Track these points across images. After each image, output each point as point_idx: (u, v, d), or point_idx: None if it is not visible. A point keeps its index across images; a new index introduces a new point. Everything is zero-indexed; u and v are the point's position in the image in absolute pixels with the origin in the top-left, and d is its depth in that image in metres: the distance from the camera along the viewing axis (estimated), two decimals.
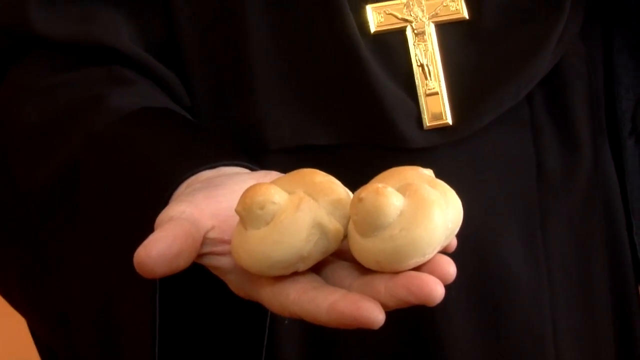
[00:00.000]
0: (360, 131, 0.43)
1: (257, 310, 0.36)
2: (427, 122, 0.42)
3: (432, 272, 0.28)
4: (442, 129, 0.43)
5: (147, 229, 0.32)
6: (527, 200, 0.48)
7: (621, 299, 0.53)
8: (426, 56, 0.42)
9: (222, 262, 0.33)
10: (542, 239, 0.48)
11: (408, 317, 0.47)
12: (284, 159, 0.41)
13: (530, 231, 0.48)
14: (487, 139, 0.44)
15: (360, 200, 0.28)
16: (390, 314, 0.37)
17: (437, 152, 0.41)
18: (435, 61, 0.42)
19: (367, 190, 0.28)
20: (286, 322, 0.43)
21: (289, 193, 0.31)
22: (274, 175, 0.34)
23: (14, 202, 0.44)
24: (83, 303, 0.41)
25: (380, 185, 0.28)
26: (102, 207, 0.39)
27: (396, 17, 0.42)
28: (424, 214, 0.28)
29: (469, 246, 0.42)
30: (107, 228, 0.39)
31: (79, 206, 0.40)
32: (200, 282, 0.36)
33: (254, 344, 0.39)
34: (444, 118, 0.42)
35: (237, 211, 0.30)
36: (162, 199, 0.34)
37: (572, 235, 0.51)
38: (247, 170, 0.36)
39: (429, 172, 0.31)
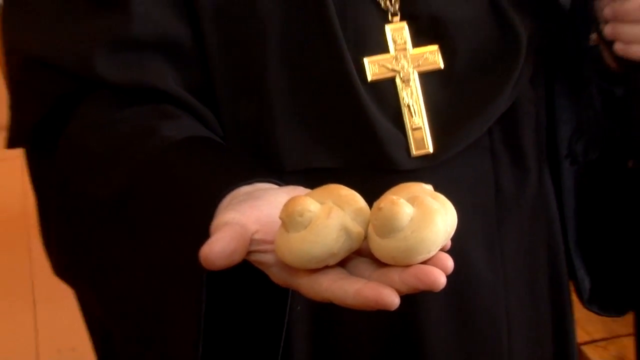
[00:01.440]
0: (359, 157, 0.51)
1: (279, 299, 0.45)
2: (414, 151, 0.51)
3: (435, 266, 0.35)
4: (425, 156, 0.52)
5: (197, 234, 0.40)
6: (487, 212, 0.58)
7: (557, 288, 0.65)
8: (411, 98, 0.51)
9: (266, 258, 0.40)
10: (498, 243, 0.58)
11: (395, 317, 0.54)
12: (297, 178, 0.48)
13: (489, 237, 0.58)
14: (459, 163, 0.53)
15: (379, 209, 0.35)
16: (377, 317, 0.47)
17: (421, 174, 0.50)
18: (419, 102, 0.52)
19: (385, 201, 0.35)
20: (299, 307, 0.51)
21: (320, 203, 0.38)
22: (300, 189, 0.42)
23: (88, 213, 0.51)
24: (140, 293, 0.49)
25: (394, 197, 0.35)
26: (158, 216, 0.46)
27: (387, 67, 0.51)
28: (429, 220, 0.35)
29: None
30: (162, 232, 0.46)
31: (139, 214, 0.48)
32: (233, 278, 0.43)
33: (277, 327, 0.46)
34: (426, 147, 0.51)
35: (280, 217, 0.37)
36: (210, 210, 0.40)
37: (522, 240, 0.61)
38: (276, 186, 0.43)
39: (429, 187, 0.38)
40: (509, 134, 0.58)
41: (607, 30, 0.53)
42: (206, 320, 0.42)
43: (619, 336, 1.31)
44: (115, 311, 0.53)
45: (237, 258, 0.38)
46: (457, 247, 0.52)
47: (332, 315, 0.56)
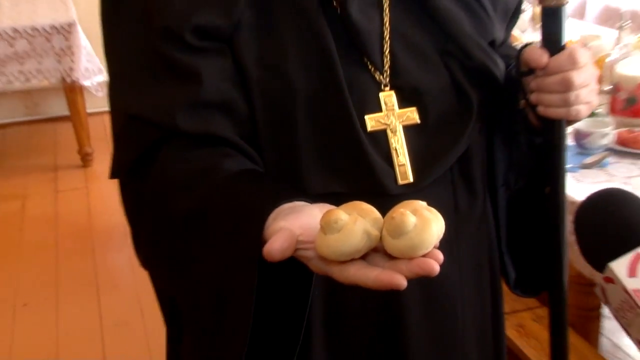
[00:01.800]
0: (361, 185, 0.69)
1: (304, 287, 0.61)
2: (399, 181, 0.71)
3: (431, 258, 0.50)
4: (407, 184, 0.71)
5: (251, 238, 0.57)
6: (449, 225, 0.76)
7: (494, 278, 0.87)
8: (398, 143, 0.71)
9: (307, 253, 0.55)
10: (456, 247, 0.78)
11: (384, 300, 0.75)
12: (317, 199, 0.63)
13: (450, 243, 0.76)
14: (430, 189, 0.72)
15: (392, 218, 0.50)
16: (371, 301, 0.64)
17: (404, 197, 0.66)
18: (403, 147, 0.71)
19: (396, 213, 0.50)
20: (317, 293, 0.67)
21: (348, 214, 0.52)
22: (327, 206, 0.57)
23: (170, 223, 0.68)
24: (207, 278, 0.65)
25: (402, 209, 0.50)
26: (221, 226, 0.63)
27: (381, 122, 0.71)
28: (427, 226, 0.50)
29: None
30: (225, 237, 0.62)
31: (208, 225, 0.64)
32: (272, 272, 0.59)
33: (302, 304, 0.62)
34: (408, 178, 0.71)
35: (320, 224, 0.52)
36: (260, 222, 0.57)
37: (472, 245, 0.81)
38: (308, 204, 0.59)
39: (424, 204, 0.53)
40: (463, 169, 0.78)
41: (533, 97, 0.73)
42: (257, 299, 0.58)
43: (518, 311, 1.71)
44: (186, 290, 0.70)
45: (288, 253, 0.54)
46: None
47: (338, 297, 0.74)
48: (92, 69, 3.07)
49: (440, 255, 0.52)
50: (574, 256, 0.98)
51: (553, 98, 0.72)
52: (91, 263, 2.50)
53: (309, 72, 0.70)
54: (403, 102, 0.73)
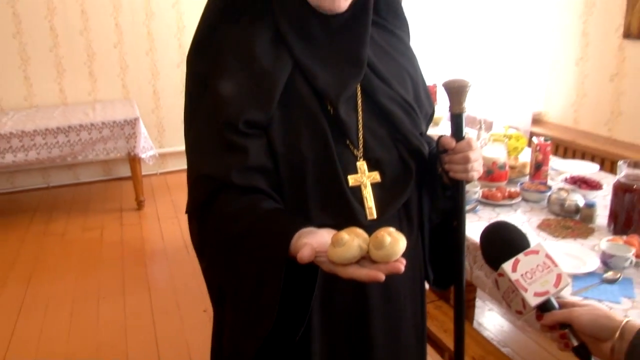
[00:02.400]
0: (345, 220, 0.99)
1: (312, 279, 0.94)
2: (368, 218, 1.05)
3: (399, 263, 0.83)
4: (373, 220, 1.05)
5: (280, 251, 0.90)
6: None
7: (421, 278, 1.21)
8: (367, 194, 1.07)
9: (322, 259, 0.88)
10: None
11: (358, 294, 1.06)
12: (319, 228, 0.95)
13: None
14: (386, 223, 0.98)
15: (376, 237, 0.85)
16: (349, 295, 1.06)
17: (371, 227, 0.92)
18: (370, 196, 1.07)
19: (378, 234, 0.84)
20: (315, 292, 0.96)
21: (348, 235, 0.84)
22: (332, 230, 0.89)
23: (226, 241, 0.98)
24: (246, 275, 0.95)
25: (382, 232, 0.84)
26: (261, 243, 0.94)
27: (357, 180, 1.06)
28: (397, 243, 0.83)
29: None
30: (263, 250, 0.93)
31: (252, 242, 0.94)
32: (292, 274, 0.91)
33: (308, 294, 0.94)
34: (373, 216, 1.06)
35: (332, 240, 0.86)
36: (287, 241, 0.90)
37: (411, 260, 1.08)
38: (319, 229, 0.91)
39: (393, 229, 0.85)
40: (405, 210, 1.14)
41: (446, 167, 1.11)
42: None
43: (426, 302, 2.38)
44: (234, 281, 0.99)
45: (311, 259, 0.85)
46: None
47: (330, 286, 1.04)
48: (146, 147, 4.58)
49: (404, 261, 0.84)
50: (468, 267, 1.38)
51: (458, 168, 1.09)
52: (143, 271, 3.72)
53: (314, 149, 1.03)
54: (370, 168, 1.08)
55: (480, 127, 2.95)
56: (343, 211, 1.04)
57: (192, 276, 3.54)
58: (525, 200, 2.37)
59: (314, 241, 0.87)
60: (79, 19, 5.14)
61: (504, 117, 4.12)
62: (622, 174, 1.96)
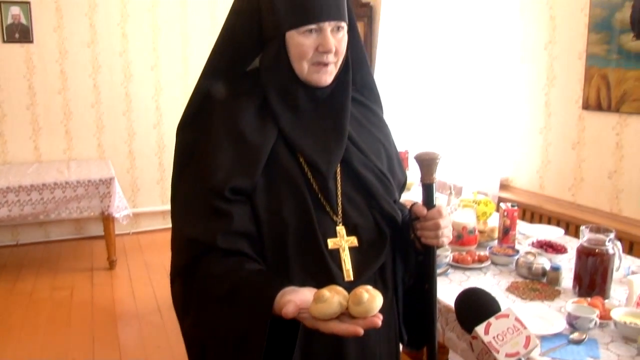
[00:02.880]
0: (324, 281, 1.04)
1: (293, 336, 0.99)
2: (345, 279, 1.11)
3: (376, 317, 0.91)
4: (350, 281, 1.11)
5: (265, 308, 0.95)
6: None
7: (396, 337, 1.25)
8: (345, 257, 1.13)
9: (304, 315, 0.93)
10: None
11: (337, 347, 1.10)
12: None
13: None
14: (361, 284, 1.07)
15: (354, 294, 0.91)
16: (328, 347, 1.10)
17: (350, 289, 0.99)
18: (348, 259, 1.13)
19: (357, 291, 0.91)
20: (297, 344, 1.01)
21: (329, 292, 0.90)
22: (313, 289, 0.95)
23: (210, 301, 1.02)
24: (232, 333, 0.99)
25: (360, 289, 0.91)
26: (245, 302, 0.99)
27: (336, 244, 1.13)
28: (374, 299, 0.90)
29: None
30: (247, 309, 0.98)
31: (236, 302, 0.99)
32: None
33: (291, 345, 0.99)
34: (351, 278, 1.12)
35: (314, 297, 0.92)
36: (271, 299, 0.95)
37: (386, 318, 1.07)
38: (301, 287, 0.97)
39: (371, 287, 0.92)
40: (380, 273, 1.20)
41: (418, 233, 1.19)
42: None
43: None
44: (218, 338, 1.03)
45: (295, 315, 0.91)
46: None
47: (308, 348, 1.09)
48: (121, 207, 4.60)
49: (381, 317, 0.90)
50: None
51: (429, 234, 1.17)
52: (114, 333, 3.65)
53: (296, 216, 1.09)
54: (348, 233, 1.14)
55: (451, 193, 3.07)
56: (322, 273, 1.10)
57: (164, 338, 3.50)
58: (494, 263, 2.45)
59: (297, 298, 0.93)
60: (57, 79, 5.23)
61: (474, 182, 4.27)
62: (585, 238, 2.06)
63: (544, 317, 1.90)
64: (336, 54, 1.16)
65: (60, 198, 4.44)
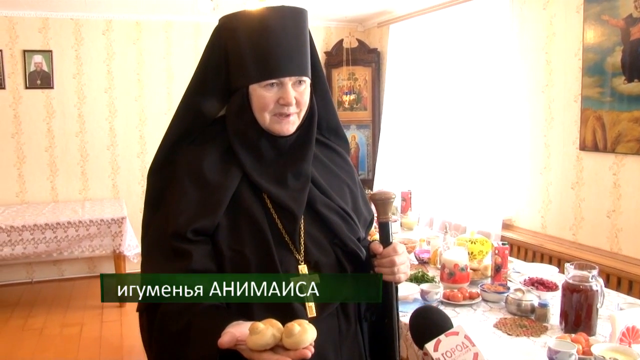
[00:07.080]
0: (288, 317, 1.04)
1: None
2: (308, 315, 1.16)
3: (307, 349, 0.95)
4: (313, 317, 1.15)
5: (213, 339, 0.98)
6: (335, 338, 1.20)
7: (361, 354, 1.29)
8: (309, 305, 1.17)
9: (242, 347, 0.98)
10: (340, 352, 1.23)
11: None
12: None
13: (336, 349, 1.21)
14: (324, 319, 1.18)
15: (287, 327, 0.95)
16: None
17: (315, 323, 1.03)
18: (312, 306, 1.17)
19: (290, 325, 0.95)
20: None
21: (264, 325, 0.95)
22: (256, 323, 0.97)
23: (169, 335, 1.07)
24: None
25: (293, 323, 0.95)
26: (198, 334, 1.04)
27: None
28: (304, 332, 0.95)
29: None
30: (200, 340, 1.03)
31: (190, 334, 1.04)
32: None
33: None
34: (314, 314, 1.17)
35: (249, 329, 0.96)
36: (219, 332, 0.99)
37: (350, 351, 1.25)
38: (243, 321, 1.01)
39: (306, 321, 0.97)
40: (343, 308, 1.25)
41: (375, 269, 1.24)
42: None
43: None
44: None
45: (231, 345, 0.96)
46: (322, 352, 1.14)
47: None
48: (132, 245, 4.73)
49: (312, 349, 0.94)
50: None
51: (386, 270, 1.22)
52: None
53: (258, 254, 1.15)
54: (310, 270, 1.19)
55: (446, 232, 3.12)
56: (285, 310, 1.14)
57: None
58: (485, 300, 2.50)
59: (237, 330, 0.98)
60: (75, 122, 5.44)
61: (477, 222, 4.32)
62: (570, 275, 2.10)
63: (528, 352, 1.95)
64: (298, 105, 1.24)
65: (74, 236, 4.59)
